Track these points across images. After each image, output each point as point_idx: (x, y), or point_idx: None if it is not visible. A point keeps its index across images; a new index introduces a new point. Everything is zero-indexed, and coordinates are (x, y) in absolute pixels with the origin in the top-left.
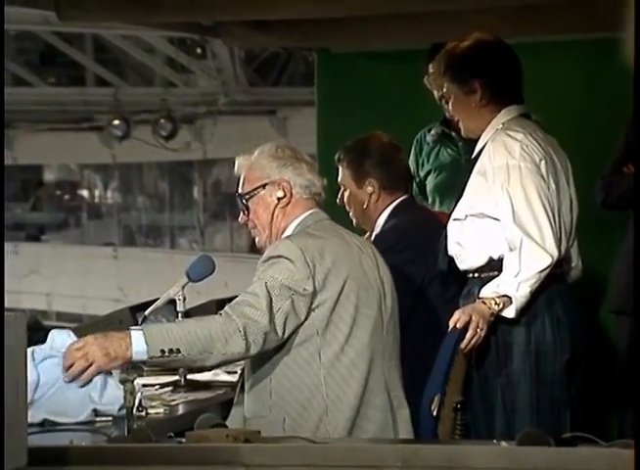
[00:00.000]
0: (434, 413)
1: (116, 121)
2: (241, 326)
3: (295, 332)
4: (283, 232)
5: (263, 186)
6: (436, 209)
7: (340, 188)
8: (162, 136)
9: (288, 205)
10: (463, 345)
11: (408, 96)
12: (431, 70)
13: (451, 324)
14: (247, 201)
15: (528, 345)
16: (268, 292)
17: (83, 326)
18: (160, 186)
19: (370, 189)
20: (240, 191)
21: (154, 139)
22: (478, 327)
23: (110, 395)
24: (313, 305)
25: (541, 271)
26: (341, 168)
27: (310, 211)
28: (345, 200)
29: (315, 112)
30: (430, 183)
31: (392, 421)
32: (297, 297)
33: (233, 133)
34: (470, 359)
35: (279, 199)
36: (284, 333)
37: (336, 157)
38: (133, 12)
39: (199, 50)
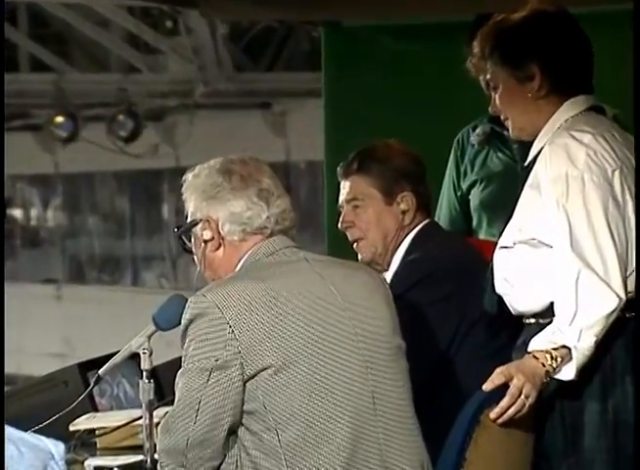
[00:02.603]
0: None
1: (60, 118)
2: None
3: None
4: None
5: (195, 223)
6: (483, 231)
7: (342, 207)
8: (121, 137)
9: (219, 248)
10: (494, 414)
11: (443, 84)
12: (474, 51)
13: (485, 386)
14: (181, 236)
15: (604, 413)
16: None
17: (17, 390)
18: (119, 204)
19: (404, 206)
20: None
21: (109, 141)
22: (520, 392)
23: None
24: (247, 374)
25: (608, 315)
26: (355, 180)
27: (251, 250)
28: (358, 222)
29: (321, 104)
30: (474, 198)
31: None
32: (214, 373)
33: (215, 133)
34: (513, 435)
35: (205, 242)
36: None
37: (346, 165)
38: None
39: (169, 24)
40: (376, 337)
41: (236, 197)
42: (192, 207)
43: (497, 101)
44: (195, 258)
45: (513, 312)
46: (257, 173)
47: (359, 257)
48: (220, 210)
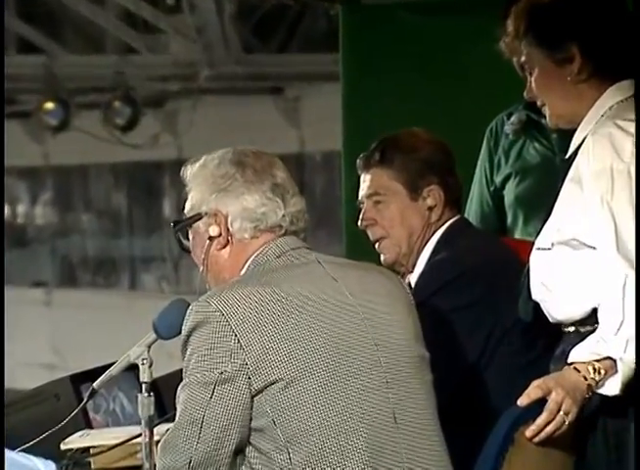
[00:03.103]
0: None
1: (50, 105)
2: None
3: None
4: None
5: (199, 217)
6: (518, 230)
7: (361, 204)
8: (118, 126)
9: (226, 246)
10: (529, 432)
11: (474, 66)
12: (507, 30)
13: (520, 400)
14: (178, 232)
15: None
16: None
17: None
18: (115, 199)
19: (431, 201)
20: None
21: (104, 130)
22: (559, 408)
23: None
24: (254, 388)
25: None
26: (377, 173)
27: (259, 251)
28: (381, 220)
29: (339, 89)
30: (509, 193)
31: None
32: (219, 387)
33: (221, 122)
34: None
35: (211, 239)
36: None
37: (367, 156)
38: None
39: (170, 0)
40: (397, 346)
41: (250, 191)
42: (196, 199)
43: (533, 85)
44: (194, 257)
45: (550, 320)
46: (271, 168)
47: (381, 258)
48: (231, 204)
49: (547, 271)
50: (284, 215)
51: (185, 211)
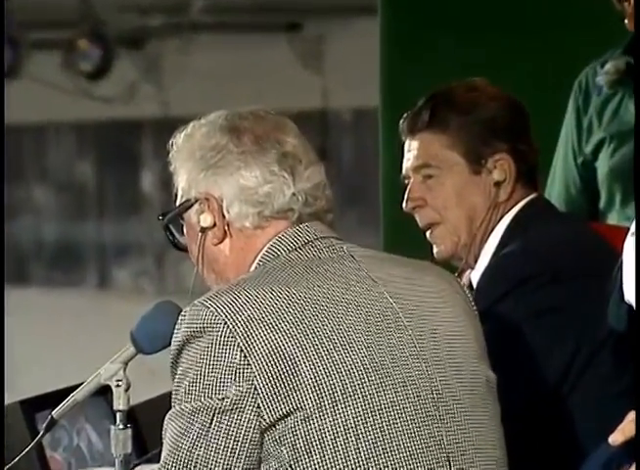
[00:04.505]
0: None
1: None
2: None
3: None
4: None
5: (189, 204)
6: (615, 213)
7: (406, 179)
8: (83, 73)
9: (224, 239)
10: None
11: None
12: None
13: (612, 438)
14: (167, 224)
15: None
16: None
17: None
18: (80, 169)
19: (498, 175)
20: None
21: (66, 78)
22: None
23: None
24: (266, 420)
25: None
26: (427, 138)
27: (271, 242)
28: (432, 200)
29: (375, 26)
30: (603, 164)
31: None
32: (219, 417)
33: (220, 68)
34: None
35: (204, 230)
36: None
37: (413, 115)
38: None
39: None
40: (455, 369)
41: (249, 165)
42: (183, 181)
43: (627, 20)
44: (191, 257)
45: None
46: (277, 132)
47: (434, 250)
48: (225, 183)
49: None
50: (294, 194)
51: (175, 197)
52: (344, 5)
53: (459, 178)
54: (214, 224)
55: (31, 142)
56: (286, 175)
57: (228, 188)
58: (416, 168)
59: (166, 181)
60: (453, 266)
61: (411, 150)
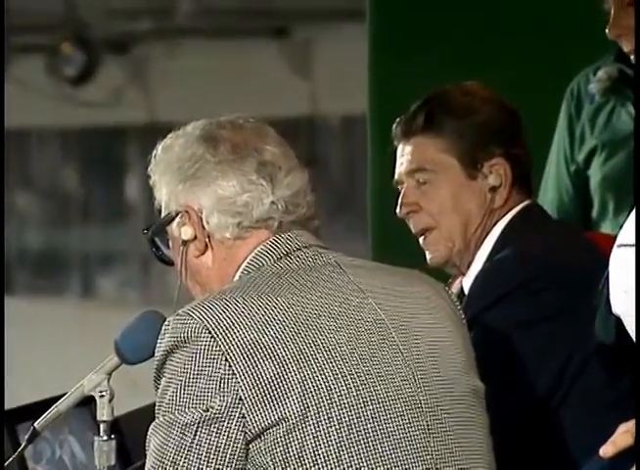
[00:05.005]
0: None
1: None
2: None
3: None
4: None
5: (170, 217)
6: (608, 221)
7: (399, 184)
8: (67, 78)
9: (205, 252)
10: None
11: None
12: None
13: (603, 450)
14: (152, 238)
15: None
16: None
17: None
18: (64, 175)
19: (494, 180)
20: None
21: (50, 84)
22: None
23: None
24: (251, 430)
25: None
26: (421, 142)
27: (253, 253)
28: (427, 204)
29: (364, 30)
30: (595, 172)
31: None
32: (203, 428)
33: (206, 73)
34: None
35: (185, 243)
36: None
37: (407, 119)
38: None
39: None
40: (443, 379)
41: (225, 174)
42: (164, 194)
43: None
44: (176, 270)
45: (635, 341)
46: (256, 140)
47: (427, 256)
48: (203, 194)
49: (631, 276)
50: (273, 203)
51: (159, 210)
52: (333, 10)
53: (454, 183)
54: (195, 237)
55: (14, 148)
56: (264, 183)
57: (206, 199)
58: (410, 173)
59: (153, 189)
60: (445, 274)
61: (405, 154)
